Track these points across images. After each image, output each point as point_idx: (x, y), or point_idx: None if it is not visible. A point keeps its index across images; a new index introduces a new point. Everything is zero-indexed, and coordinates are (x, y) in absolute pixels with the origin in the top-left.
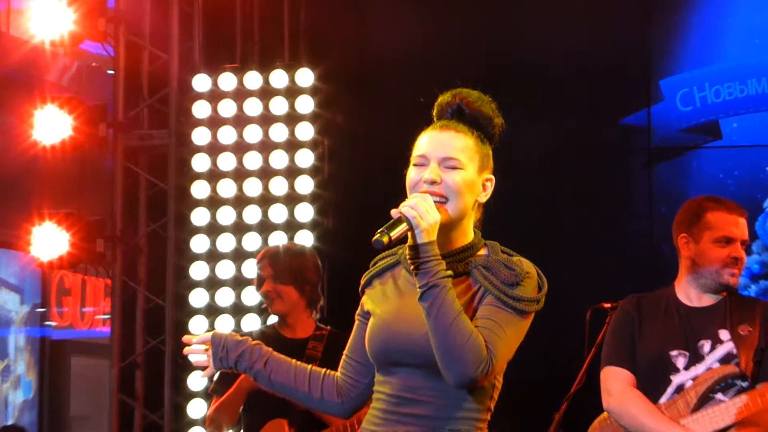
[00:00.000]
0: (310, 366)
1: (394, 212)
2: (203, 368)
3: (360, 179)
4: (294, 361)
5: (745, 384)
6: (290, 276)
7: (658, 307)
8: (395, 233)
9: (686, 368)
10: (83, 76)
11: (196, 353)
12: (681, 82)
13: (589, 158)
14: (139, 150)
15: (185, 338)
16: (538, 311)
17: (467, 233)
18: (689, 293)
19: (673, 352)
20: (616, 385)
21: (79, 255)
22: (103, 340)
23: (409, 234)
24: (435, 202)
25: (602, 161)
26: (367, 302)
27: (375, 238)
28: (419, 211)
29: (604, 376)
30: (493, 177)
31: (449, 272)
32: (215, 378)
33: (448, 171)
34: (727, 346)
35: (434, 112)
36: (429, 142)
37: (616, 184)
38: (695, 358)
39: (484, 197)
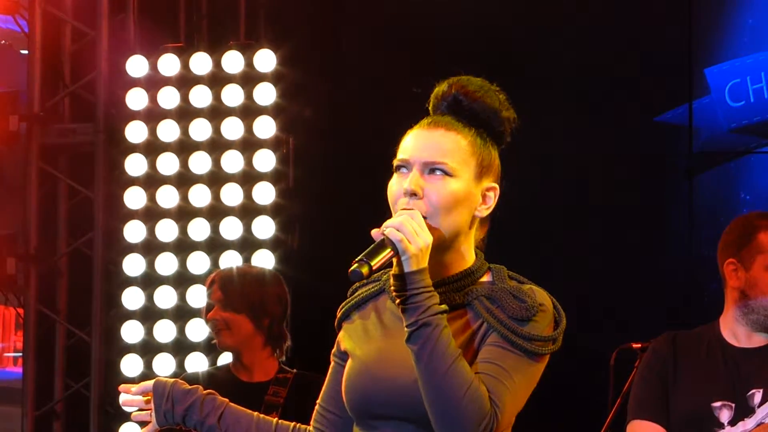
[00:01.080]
0: (275, 420)
1: (375, 233)
2: (141, 424)
3: (333, 187)
4: (255, 413)
5: None
6: (244, 303)
7: (698, 348)
8: (377, 261)
9: (732, 423)
10: None
11: (135, 405)
12: (731, 72)
13: (617, 165)
14: (58, 149)
15: (122, 387)
16: (554, 352)
17: (465, 256)
18: (737, 331)
19: (717, 404)
20: None
21: None
22: (13, 383)
23: (394, 260)
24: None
25: (632, 169)
26: (344, 340)
27: (352, 268)
28: (406, 232)
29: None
30: (497, 186)
31: (443, 307)
32: None
33: (432, 179)
34: None
35: (430, 106)
36: (413, 143)
37: (650, 197)
38: (743, 410)
39: (485, 211)
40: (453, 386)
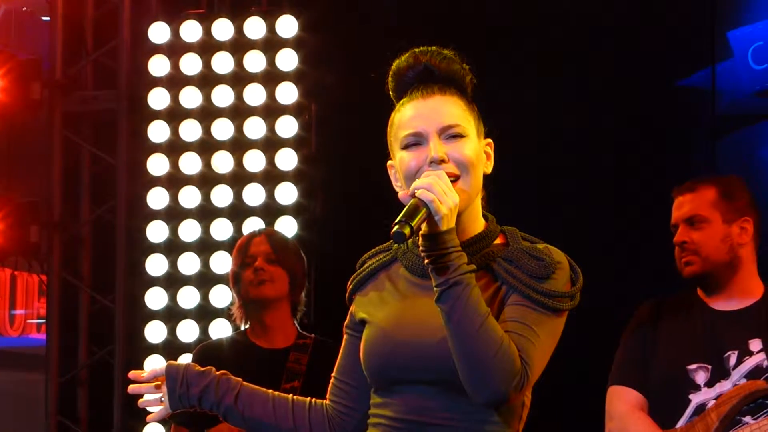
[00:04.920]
0: (290, 396)
1: (402, 196)
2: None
3: (354, 153)
4: (270, 391)
5: None
6: (288, 262)
7: (678, 313)
8: (416, 222)
9: (709, 385)
10: (12, 24)
11: (147, 392)
12: (755, 34)
13: (639, 129)
14: (81, 116)
15: (132, 374)
16: (572, 309)
17: (479, 217)
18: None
19: (692, 366)
20: (620, 407)
21: (7, 245)
22: (37, 350)
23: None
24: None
25: (655, 133)
26: (359, 310)
27: (394, 230)
28: (436, 192)
29: (608, 398)
30: (492, 141)
31: (472, 266)
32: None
33: (452, 142)
34: (756, 359)
35: (391, 85)
36: (417, 115)
37: (672, 160)
38: (720, 372)
39: (489, 166)
40: (485, 344)
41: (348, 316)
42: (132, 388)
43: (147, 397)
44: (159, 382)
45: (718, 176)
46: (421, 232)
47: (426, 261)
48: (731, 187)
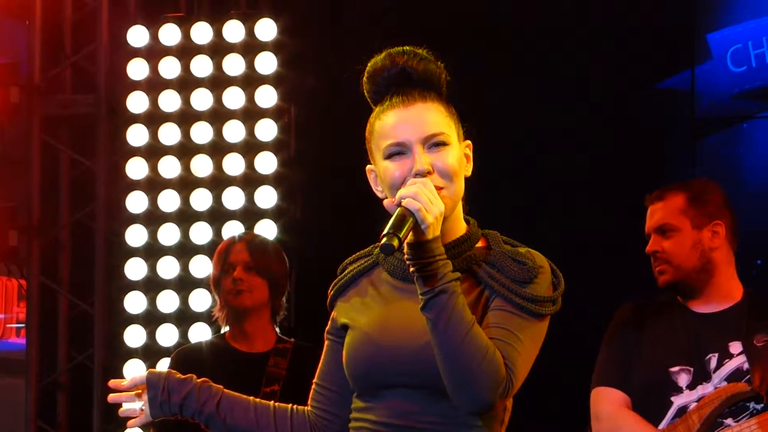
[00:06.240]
0: (272, 403)
1: (388, 204)
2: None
3: (334, 156)
4: (251, 398)
5: (759, 406)
6: (268, 270)
7: (660, 315)
8: (404, 232)
9: (691, 387)
10: None
11: (127, 400)
12: (734, 36)
13: (619, 131)
14: (60, 120)
15: (112, 383)
16: (554, 315)
17: (460, 220)
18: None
19: (675, 369)
20: (607, 407)
21: None
22: (16, 355)
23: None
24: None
25: (635, 135)
26: (340, 316)
27: (383, 242)
28: (422, 201)
29: (593, 399)
30: (470, 142)
31: (457, 274)
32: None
33: (435, 151)
34: (736, 361)
35: (367, 86)
36: (399, 123)
37: (652, 162)
38: (701, 375)
39: (469, 169)
40: (471, 353)
41: (329, 322)
42: (112, 397)
43: (127, 405)
44: (139, 390)
45: (688, 182)
46: (406, 240)
47: (412, 269)
48: (700, 192)
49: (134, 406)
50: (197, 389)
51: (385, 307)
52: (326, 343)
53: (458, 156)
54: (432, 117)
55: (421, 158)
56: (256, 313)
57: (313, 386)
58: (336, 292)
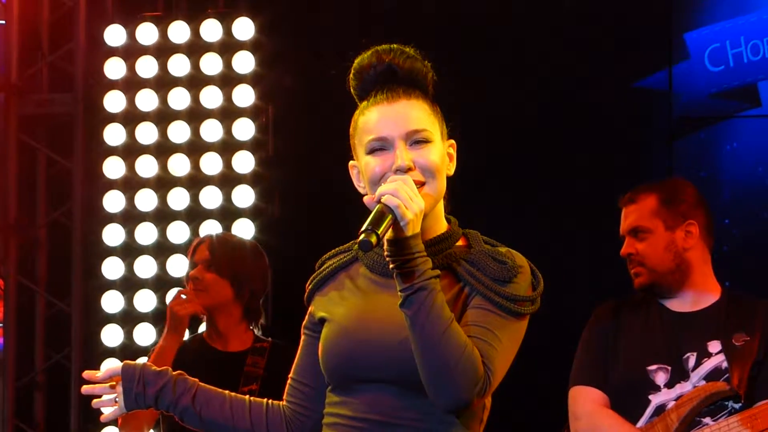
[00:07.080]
0: (248, 397)
1: (368, 201)
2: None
3: (312, 155)
4: (227, 392)
5: (737, 405)
6: (229, 269)
7: (638, 314)
8: (382, 229)
9: (669, 386)
10: None
11: (101, 392)
12: (711, 36)
13: (596, 131)
14: (37, 119)
15: (86, 374)
16: (533, 314)
17: (441, 218)
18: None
19: (652, 367)
20: (586, 406)
21: None
22: None
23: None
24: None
25: (611, 135)
26: (318, 310)
27: (360, 239)
28: (402, 198)
29: (571, 398)
30: (454, 141)
31: (436, 272)
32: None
33: (417, 148)
34: (715, 360)
35: (353, 83)
36: (382, 119)
37: (629, 162)
38: (679, 374)
39: (452, 169)
40: (448, 351)
41: (306, 317)
42: (86, 389)
43: (102, 397)
44: (114, 383)
45: (660, 182)
46: (386, 237)
47: (391, 266)
48: (672, 192)
49: (109, 398)
50: (173, 382)
51: (363, 300)
52: (303, 338)
53: (441, 154)
54: (415, 114)
55: (403, 154)
56: (221, 313)
57: (289, 381)
58: (314, 287)
